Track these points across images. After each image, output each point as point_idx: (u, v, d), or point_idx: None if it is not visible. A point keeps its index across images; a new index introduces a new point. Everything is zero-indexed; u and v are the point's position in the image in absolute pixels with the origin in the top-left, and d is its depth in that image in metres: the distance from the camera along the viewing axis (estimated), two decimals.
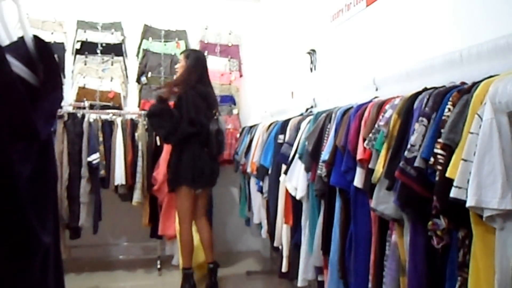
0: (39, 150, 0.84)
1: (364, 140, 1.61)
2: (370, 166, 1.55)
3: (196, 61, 3.14)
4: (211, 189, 3.49)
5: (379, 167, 1.47)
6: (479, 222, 1.05)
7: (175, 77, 3.22)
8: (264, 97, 4.36)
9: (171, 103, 3.04)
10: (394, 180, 1.35)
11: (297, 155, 2.27)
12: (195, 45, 4.32)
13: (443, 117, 1.21)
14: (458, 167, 1.08)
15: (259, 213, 3.19)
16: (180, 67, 3.18)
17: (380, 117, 1.55)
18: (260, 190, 3.05)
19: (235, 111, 4.30)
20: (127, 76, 4.17)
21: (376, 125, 1.56)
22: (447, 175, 1.11)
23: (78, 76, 3.91)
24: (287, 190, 2.40)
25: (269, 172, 2.82)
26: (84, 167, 3.44)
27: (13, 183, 0.74)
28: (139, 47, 4.19)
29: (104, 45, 4.04)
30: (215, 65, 4.28)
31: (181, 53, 3.35)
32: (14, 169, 0.74)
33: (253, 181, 3.29)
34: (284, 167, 2.44)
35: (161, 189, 3.55)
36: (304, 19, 3.38)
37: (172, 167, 3.05)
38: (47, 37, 3.82)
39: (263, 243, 4.22)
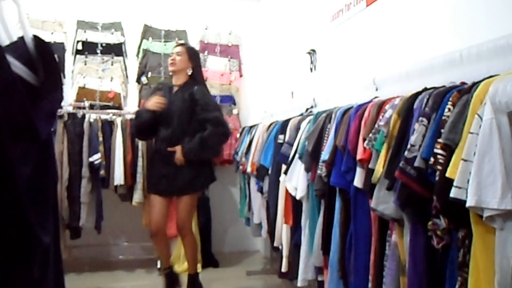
0: (39, 150, 0.84)
1: (364, 140, 1.61)
2: (370, 166, 1.55)
3: (199, 59, 3.15)
4: None
5: (379, 167, 1.47)
6: (479, 222, 1.05)
7: (172, 68, 2.98)
8: (264, 97, 4.35)
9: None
10: (394, 180, 1.35)
11: (297, 155, 2.26)
12: (195, 45, 4.30)
13: (443, 117, 1.21)
14: (458, 167, 1.07)
15: (259, 213, 3.19)
16: (180, 60, 2.96)
17: (380, 117, 1.55)
18: (260, 190, 3.04)
19: (235, 111, 4.30)
20: (127, 76, 4.16)
21: (376, 125, 1.56)
22: (447, 175, 1.11)
23: (78, 76, 3.91)
24: (287, 190, 2.40)
25: (269, 172, 2.82)
26: (85, 167, 3.44)
27: (13, 183, 0.74)
28: (139, 47, 4.19)
29: (104, 45, 4.04)
30: (215, 65, 4.28)
31: (178, 45, 3.13)
32: (14, 169, 0.74)
33: (253, 181, 3.29)
34: (284, 167, 2.44)
35: None
36: (304, 19, 3.38)
37: (208, 164, 3.04)
38: (47, 37, 3.81)
39: (263, 243, 4.22)
